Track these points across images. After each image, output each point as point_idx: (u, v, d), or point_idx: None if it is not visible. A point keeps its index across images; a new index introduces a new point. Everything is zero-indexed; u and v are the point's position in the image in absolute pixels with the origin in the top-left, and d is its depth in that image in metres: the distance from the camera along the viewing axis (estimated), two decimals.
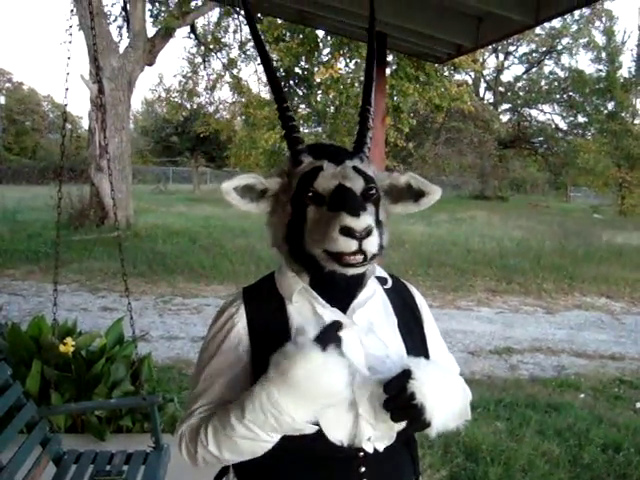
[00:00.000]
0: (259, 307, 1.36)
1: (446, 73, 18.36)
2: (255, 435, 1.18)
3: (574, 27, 35.14)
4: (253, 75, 54.61)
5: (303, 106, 20.38)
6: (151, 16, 17.65)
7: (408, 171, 1.42)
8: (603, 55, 31.94)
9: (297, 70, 19.41)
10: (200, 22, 21.81)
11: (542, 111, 40.85)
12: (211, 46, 22.44)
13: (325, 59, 18.36)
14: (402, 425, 1.22)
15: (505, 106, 41.62)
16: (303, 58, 18.57)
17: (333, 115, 19.23)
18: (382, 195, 1.37)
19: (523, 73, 41.27)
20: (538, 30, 34.73)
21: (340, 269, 1.24)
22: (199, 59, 23.63)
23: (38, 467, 2.52)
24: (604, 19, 32.51)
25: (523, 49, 39.70)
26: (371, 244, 1.21)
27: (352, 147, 1.42)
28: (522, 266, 12.29)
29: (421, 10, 3.36)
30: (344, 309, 1.33)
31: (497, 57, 40.72)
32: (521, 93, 40.55)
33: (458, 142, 34.06)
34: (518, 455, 4.08)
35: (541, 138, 39.58)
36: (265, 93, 23.55)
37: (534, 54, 39.57)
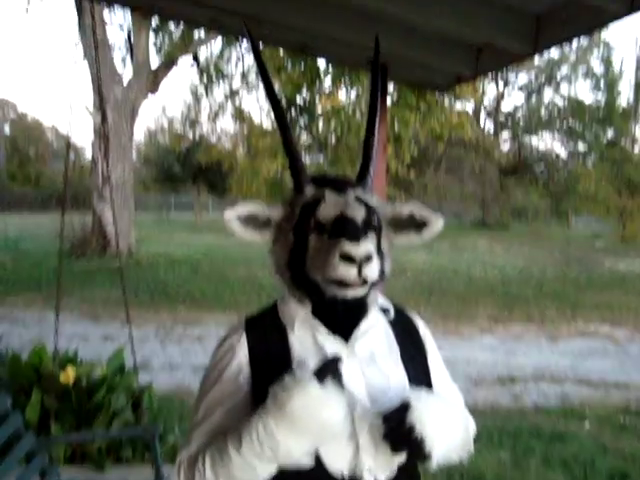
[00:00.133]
0: (260, 336, 1.36)
1: (447, 102, 18.49)
2: (252, 466, 1.17)
3: (573, 56, 35.50)
4: (255, 105, 55.17)
5: (305, 136, 20.49)
6: (154, 47, 17.85)
7: (410, 201, 1.43)
8: (602, 84, 32.22)
9: (299, 100, 19.55)
10: (203, 52, 22.11)
11: (542, 139, 41.05)
12: (213, 76, 22.67)
13: (327, 89, 18.52)
14: (403, 457, 1.22)
15: (506, 134, 41.84)
16: (305, 88, 18.71)
17: (335, 144, 19.33)
18: (385, 225, 1.38)
19: (523, 102, 41.58)
20: (537, 60, 35.07)
21: (340, 292, 1.24)
22: (201, 89, 23.87)
23: None
24: (602, 49, 32.87)
25: (523, 78, 40.02)
26: (371, 270, 1.22)
27: (355, 177, 1.44)
28: (524, 294, 12.26)
29: (421, 40, 3.39)
30: (346, 339, 1.33)
31: (497, 86, 41.01)
32: (521, 121, 40.78)
33: (459, 170, 34.21)
34: None
35: (542, 166, 39.72)
36: (267, 123, 23.74)
37: (533, 83, 39.87)
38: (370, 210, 1.32)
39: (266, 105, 23.01)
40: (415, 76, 4.12)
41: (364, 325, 1.35)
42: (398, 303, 1.54)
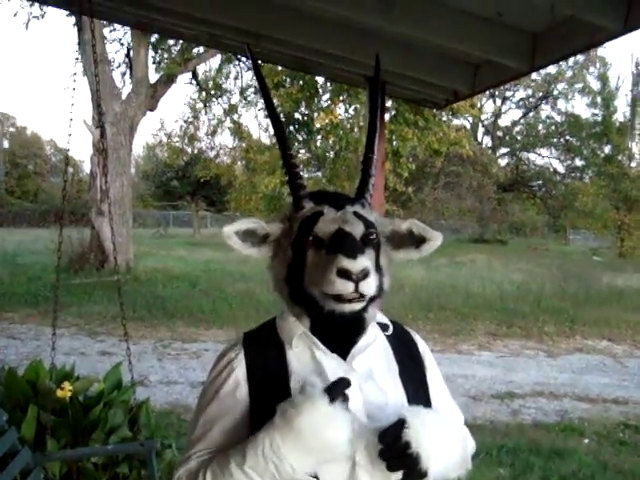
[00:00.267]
0: (258, 352, 1.36)
1: (444, 118, 18.58)
2: None
3: (569, 73, 35.74)
4: (253, 120, 55.44)
5: (303, 151, 20.55)
6: (153, 62, 17.93)
7: (409, 217, 1.44)
8: (598, 100, 32.41)
9: (297, 116, 19.62)
10: (201, 68, 22.22)
11: (540, 155, 41.14)
12: (212, 92, 22.77)
13: (325, 105, 18.59)
14: (399, 474, 1.21)
15: (503, 150, 42.04)
16: (303, 104, 18.80)
17: (333, 160, 19.37)
18: (384, 241, 1.39)
19: (520, 118, 41.78)
20: (534, 76, 35.27)
21: (337, 306, 1.25)
22: (200, 104, 23.96)
23: None
24: (598, 65, 33.13)
25: (520, 94, 40.28)
26: (368, 286, 1.22)
27: (354, 193, 1.44)
28: (523, 309, 12.24)
29: (419, 58, 3.42)
30: (344, 355, 1.33)
31: (494, 102, 41.29)
32: (519, 137, 40.98)
33: (457, 186, 34.27)
34: None
35: (539, 181, 39.84)
36: (265, 138, 23.81)
37: (531, 99, 40.12)
38: (369, 226, 1.32)
39: (265, 121, 23.10)
40: (413, 92, 4.15)
41: (362, 341, 1.35)
42: (397, 319, 1.54)
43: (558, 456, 4.97)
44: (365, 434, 1.20)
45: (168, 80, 17.32)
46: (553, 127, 38.71)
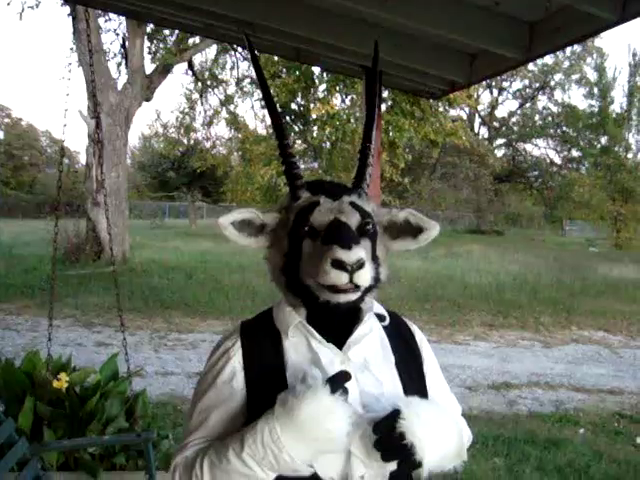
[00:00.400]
0: (255, 342, 1.37)
1: (441, 109, 18.55)
2: (251, 471, 1.17)
3: (566, 63, 35.75)
4: (250, 111, 55.28)
5: (299, 142, 20.53)
6: (149, 53, 17.86)
7: (406, 207, 1.43)
8: (595, 91, 32.39)
9: (293, 106, 19.60)
10: (197, 59, 22.12)
11: (536, 146, 41.34)
12: (208, 82, 22.69)
13: (321, 95, 18.56)
14: (394, 464, 1.21)
15: (500, 141, 42.10)
16: (299, 94, 18.77)
17: (329, 151, 19.36)
18: (381, 231, 1.39)
19: (517, 108, 41.83)
20: (531, 66, 35.31)
21: (332, 297, 1.25)
22: (196, 95, 23.87)
23: None
24: (595, 56, 33.09)
25: (517, 85, 40.35)
26: (362, 277, 1.22)
27: (351, 183, 1.44)
28: (519, 300, 12.28)
29: (415, 47, 3.41)
30: (340, 345, 1.33)
31: (491, 93, 41.31)
32: (515, 128, 41.03)
33: (453, 177, 34.33)
34: None
35: (536, 172, 39.94)
36: (261, 129, 23.80)
37: (527, 90, 40.16)
38: (365, 216, 1.32)
39: (261, 112, 23.06)
40: (409, 83, 4.14)
41: (358, 332, 1.35)
42: (394, 310, 1.54)
43: (554, 446, 5.00)
44: (360, 424, 1.20)
45: (164, 70, 17.26)
46: (550, 118, 38.75)
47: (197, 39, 17.27)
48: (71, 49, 14.83)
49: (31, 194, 42.17)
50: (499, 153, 40.61)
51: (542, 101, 40.01)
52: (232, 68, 22.47)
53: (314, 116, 18.52)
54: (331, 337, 1.33)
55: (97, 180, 14.51)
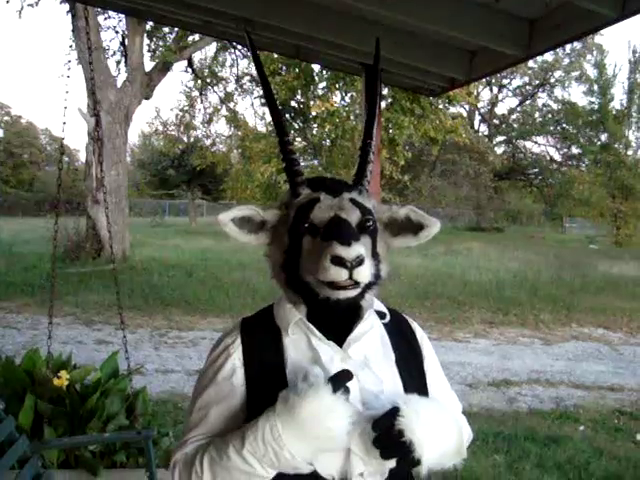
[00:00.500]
0: (255, 339, 1.37)
1: (441, 106, 18.51)
2: (251, 468, 1.18)
3: (566, 60, 35.71)
4: (249, 109, 55.18)
5: (299, 139, 20.50)
6: (149, 50, 17.84)
7: (407, 204, 1.43)
8: (595, 88, 32.33)
9: (293, 103, 19.56)
10: (197, 56, 22.10)
11: (536, 143, 41.31)
12: (208, 80, 22.67)
13: (321, 92, 18.53)
14: (393, 462, 1.22)
15: (500, 138, 42.02)
16: (299, 91, 18.73)
17: (329, 148, 19.33)
18: (381, 228, 1.38)
19: (517, 105, 41.79)
20: (531, 63, 35.25)
21: (332, 294, 1.25)
22: (196, 93, 23.84)
23: None
24: (595, 53, 33.01)
25: (517, 82, 40.27)
26: (362, 274, 1.21)
27: (352, 180, 1.43)
28: (519, 297, 12.28)
29: (415, 45, 3.41)
30: (340, 343, 1.33)
31: (491, 90, 41.26)
32: (515, 125, 40.98)
33: (453, 174, 34.30)
34: None
35: (536, 169, 39.90)
36: (261, 126, 23.73)
37: (527, 87, 40.11)
38: (365, 212, 1.32)
39: (261, 109, 23.04)
40: (409, 80, 4.14)
41: (358, 329, 1.34)
42: (395, 307, 1.53)
43: (554, 443, 5.00)
44: (360, 422, 1.20)
45: (163, 68, 17.24)
46: (550, 115, 38.70)
47: (197, 37, 17.26)
48: (70, 47, 14.86)
49: (31, 192, 42.20)
50: (499, 150, 40.57)
51: (542, 98, 40.00)
52: (232, 66, 22.49)
53: (314, 113, 18.48)
54: (331, 334, 1.33)
55: (97, 178, 14.50)
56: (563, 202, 34.18)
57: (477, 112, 41.17)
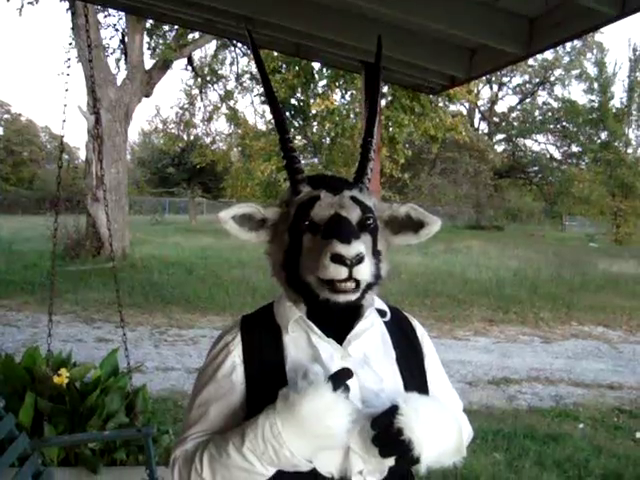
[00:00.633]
0: (255, 336, 1.37)
1: (441, 104, 18.51)
2: (251, 466, 1.18)
3: (566, 59, 35.68)
4: (249, 107, 55.11)
5: (299, 137, 20.50)
6: (149, 48, 17.83)
7: (407, 202, 1.43)
8: (595, 86, 32.31)
9: (293, 101, 19.54)
10: (197, 54, 22.10)
11: (536, 141, 41.15)
12: (208, 78, 22.66)
13: (321, 91, 18.52)
14: (392, 460, 1.21)
15: (500, 136, 42.00)
16: (299, 90, 18.72)
17: (329, 146, 19.32)
18: (382, 226, 1.38)
19: (517, 104, 41.77)
20: (531, 62, 35.22)
21: (332, 296, 1.24)
22: (196, 91, 23.85)
23: None
24: (595, 51, 33.00)
25: (517, 80, 40.25)
26: (362, 272, 1.21)
27: (352, 177, 1.43)
28: (519, 296, 12.28)
29: (415, 43, 3.41)
30: (340, 340, 1.32)
31: (491, 88, 41.24)
32: (515, 123, 40.95)
33: (453, 172, 34.27)
34: None
35: (536, 168, 39.86)
36: (261, 124, 23.73)
37: (527, 85, 40.08)
38: (366, 210, 1.32)
39: (261, 107, 23.03)
40: (409, 78, 4.14)
41: (359, 327, 1.34)
42: (396, 305, 1.53)
43: (553, 441, 5.01)
44: (359, 420, 1.20)
45: (163, 66, 17.23)
46: (550, 113, 38.67)
47: (196, 35, 17.26)
48: (70, 44, 14.81)
49: (31, 190, 42.20)
50: (499, 148, 40.53)
51: (542, 96, 39.97)
52: (232, 64, 22.48)
53: (314, 112, 18.47)
54: (331, 332, 1.33)
55: (97, 176, 14.49)
56: (563, 200, 34.16)
57: (477, 110, 41.15)
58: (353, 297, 1.26)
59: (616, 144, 31.21)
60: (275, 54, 16.11)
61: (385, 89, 15.03)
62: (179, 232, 24.94)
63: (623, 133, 31.70)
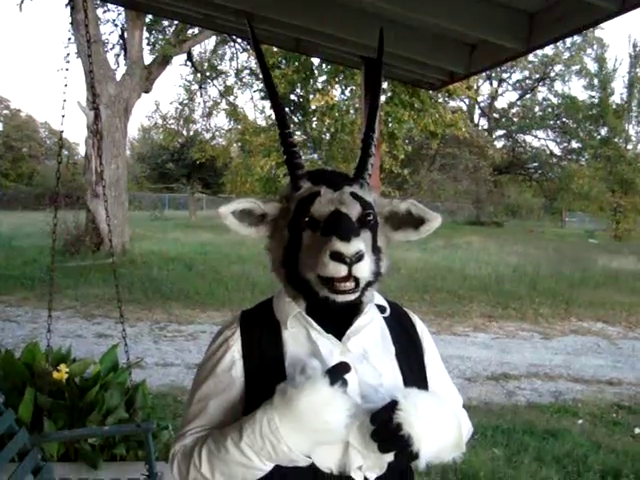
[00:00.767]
0: (255, 331, 1.36)
1: (440, 100, 18.50)
2: (249, 461, 1.18)
3: (566, 54, 35.61)
4: (249, 102, 55.03)
5: (299, 133, 20.47)
6: (148, 44, 17.81)
7: (407, 198, 1.42)
8: (595, 82, 32.30)
9: (293, 97, 19.52)
10: (197, 50, 22.06)
11: (536, 137, 41.19)
12: (207, 73, 22.63)
13: (320, 86, 18.48)
14: (392, 455, 1.21)
15: (499, 132, 41.98)
16: (299, 85, 18.69)
17: (328, 142, 19.31)
18: (382, 221, 1.38)
19: (517, 99, 41.72)
20: (531, 57, 35.19)
21: (331, 296, 1.24)
22: (195, 86, 23.81)
23: None
24: (595, 46, 32.98)
25: (517, 76, 40.20)
26: (361, 270, 1.21)
27: (353, 173, 1.42)
28: (518, 291, 12.29)
29: (415, 38, 3.40)
30: (339, 336, 1.32)
31: (491, 84, 41.17)
32: (515, 119, 40.91)
33: (453, 168, 34.26)
34: None
35: (535, 164, 39.85)
36: (261, 120, 23.70)
37: (527, 81, 40.04)
38: (366, 207, 1.31)
39: (260, 103, 22.98)
40: (409, 74, 4.13)
41: (358, 322, 1.34)
42: (396, 301, 1.53)
43: (552, 436, 5.01)
44: (358, 415, 1.20)
45: (163, 62, 17.20)
46: (549, 109, 38.63)
47: (196, 30, 17.21)
48: (69, 40, 14.76)
49: (30, 186, 42.17)
50: (499, 144, 40.53)
51: (542, 92, 39.92)
52: (231, 59, 22.44)
53: (313, 107, 18.45)
54: (330, 328, 1.32)
55: (96, 172, 14.48)
56: (563, 196, 34.18)
57: (477, 106, 41.08)
58: (352, 297, 1.26)
59: (616, 140, 31.21)
60: (275, 49, 16.08)
61: (385, 85, 15.01)
62: (179, 228, 24.93)
63: (623, 129, 31.69)
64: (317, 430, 1.15)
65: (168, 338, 8.23)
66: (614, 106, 31.56)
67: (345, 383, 1.18)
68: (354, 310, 1.34)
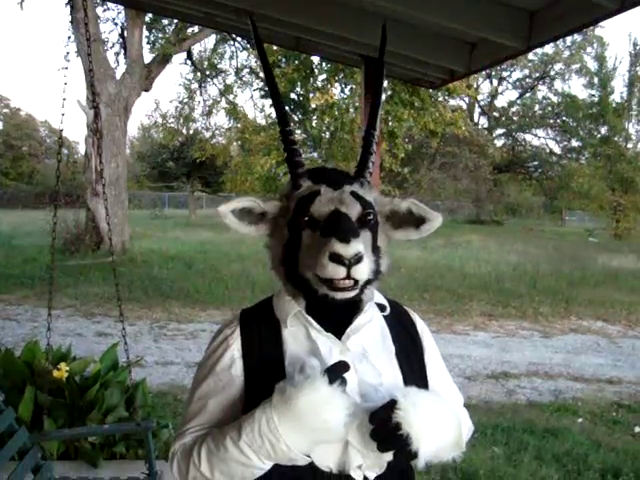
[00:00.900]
0: (255, 330, 1.36)
1: (440, 98, 18.47)
2: (248, 460, 1.18)
3: (566, 53, 35.61)
4: (249, 101, 55.02)
5: (299, 131, 20.45)
6: (148, 43, 17.79)
7: (407, 197, 1.42)
8: (595, 80, 32.28)
9: (292, 96, 19.49)
10: (196, 48, 22.05)
11: (536, 136, 41.21)
12: (207, 72, 22.62)
13: (320, 85, 18.46)
14: (391, 455, 1.21)
15: (499, 131, 41.95)
16: (298, 84, 18.67)
17: (328, 140, 19.29)
18: (383, 220, 1.37)
19: (517, 98, 41.69)
20: (531, 56, 35.18)
21: (330, 293, 1.24)
22: (195, 85, 23.80)
23: None
24: (595, 45, 32.95)
25: (517, 75, 40.17)
26: (360, 271, 1.20)
27: (354, 171, 1.42)
28: (518, 290, 12.29)
29: (415, 36, 3.39)
30: (339, 335, 1.32)
31: (491, 82, 41.15)
32: (515, 118, 40.89)
33: (453, 167, 34.24)
34: None
35: (535, 162, 39.85)
36: (261, 119, 23.70)
37: (527, 79, 40.00)
38: (366, 206, 1.30)
39: (260, 101, 22.98)
40: (409, 72, 4.13)
41: (358, 321, 1.34)
42: (396, 300, 1.53)
43: (552, 435, 5.02)
44: (358, 414, 1.20)
45: (163, 60, 17.20)
46: (549, 108, 38.63)
47: (196, 29, 17.21)
48: (69, 38, 14.78)
49: (30, 184, 42.16)
50: (499, 143, 40.50)
51: (542, 91, 39.90)
52: (231, 58, 22.48)
53: (313, 106, 18.43)
54: (330, 326, 1.32)
55: (96, 170, 14.49)
56: (563, 195, 34.17)
57: (477, 105, 41.08)
58: (351, 294, 1.26)
59: (616, 139, 31.20)
60: (274, 48, 16.06)
61: (385, 83, 14.99)
62: (178, 226, 24.93)
63: (623, 128, 31.67)
64: (316, 429, 1.15)
65: (168, 337, 8.23)
66: (614, 105, 31.52)
67: (344, 382, 1.17)
68: (354, 309, 1.34)
